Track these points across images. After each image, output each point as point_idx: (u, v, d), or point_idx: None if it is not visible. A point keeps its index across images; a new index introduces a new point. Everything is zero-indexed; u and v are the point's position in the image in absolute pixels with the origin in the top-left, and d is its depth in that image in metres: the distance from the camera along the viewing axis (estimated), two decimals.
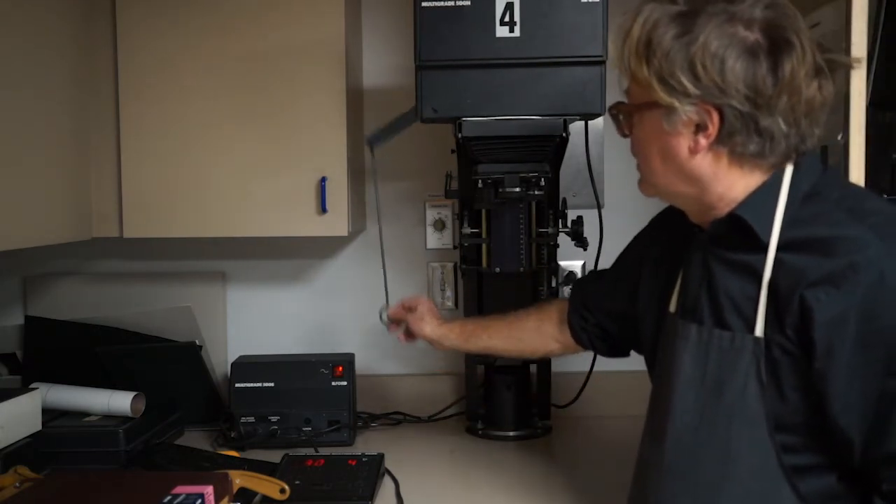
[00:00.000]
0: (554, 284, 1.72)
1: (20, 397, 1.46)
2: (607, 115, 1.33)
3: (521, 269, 1.62)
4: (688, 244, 1.06)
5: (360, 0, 1.86)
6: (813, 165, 0.98)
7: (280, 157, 1.59)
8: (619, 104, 1.04)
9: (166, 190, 1.60)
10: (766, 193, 0.96)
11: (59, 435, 1.53)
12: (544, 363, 1.76)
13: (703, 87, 0.90)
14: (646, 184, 1.06)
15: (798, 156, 0.96)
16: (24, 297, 1.93)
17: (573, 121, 1.40)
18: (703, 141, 0.94)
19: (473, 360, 1.76)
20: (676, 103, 0.92)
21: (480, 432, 1.75)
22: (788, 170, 0.96)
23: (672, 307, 1.08)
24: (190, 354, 1.79)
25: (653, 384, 1.13)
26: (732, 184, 0.97)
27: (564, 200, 1.65)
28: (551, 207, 1.64)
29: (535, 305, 1.49)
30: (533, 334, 1.44)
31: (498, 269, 1.62)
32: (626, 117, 1.03)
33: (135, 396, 1.61)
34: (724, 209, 0.98)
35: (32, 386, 1.57)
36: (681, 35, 0.91)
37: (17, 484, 1.26)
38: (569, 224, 1.63)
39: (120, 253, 1.93)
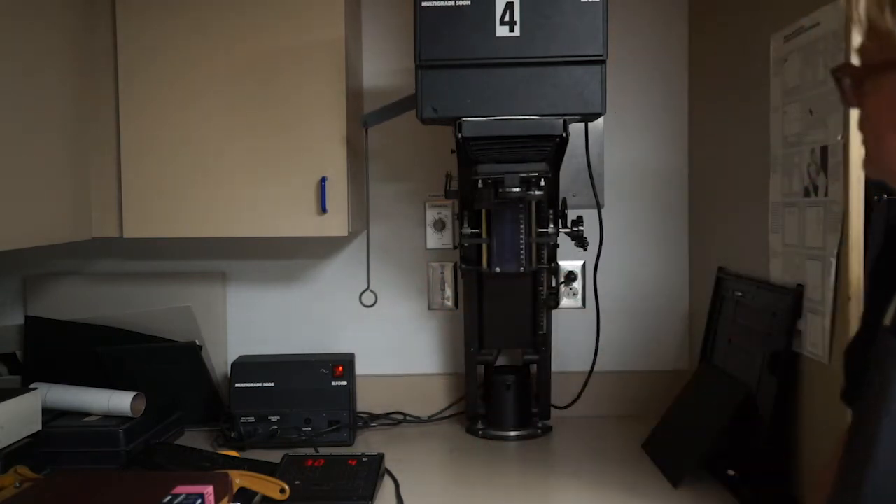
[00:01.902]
0: (554, 284, 1.72)
1: (20, 397, 1.46)
2: (607, 115, 1.31)
3: (521, 269, 1.62)
4: None
5: (359, 2, 1.86)
6: None
7: (280, 157, 1.59)
8: (846, 65, 0.79)
9: (166, 190, 1.60)
10: None
11: (59, 435, 1.53)
12: (544, 363, 1.76)
13: None
14: (872, 165, 0.81)
15: None
16: (24, 297, 1.92)
17: (573, 121, 1.40)
18: None
19: (473, 359, 1.76)
20: None
21: (480, 432, 1.75)
22: None
23: (887, 320, 0.85)
24: (190, 354, 1.79)
25: (853, 413, 0.89)
26: None
27: (564, 200, 1.65)
28: (551, 207, 1.64)
29: None
30: None
31: (498, 269, 1.62)
32: (855, 83, 0.77)
33: (135, 396, 1.61)
34: None
35: (32, 386, 1.57)
36: None
37: (17, 484, 1.27)
38: (569, 224, 1.63)
39: (120, 253, 1.93)
